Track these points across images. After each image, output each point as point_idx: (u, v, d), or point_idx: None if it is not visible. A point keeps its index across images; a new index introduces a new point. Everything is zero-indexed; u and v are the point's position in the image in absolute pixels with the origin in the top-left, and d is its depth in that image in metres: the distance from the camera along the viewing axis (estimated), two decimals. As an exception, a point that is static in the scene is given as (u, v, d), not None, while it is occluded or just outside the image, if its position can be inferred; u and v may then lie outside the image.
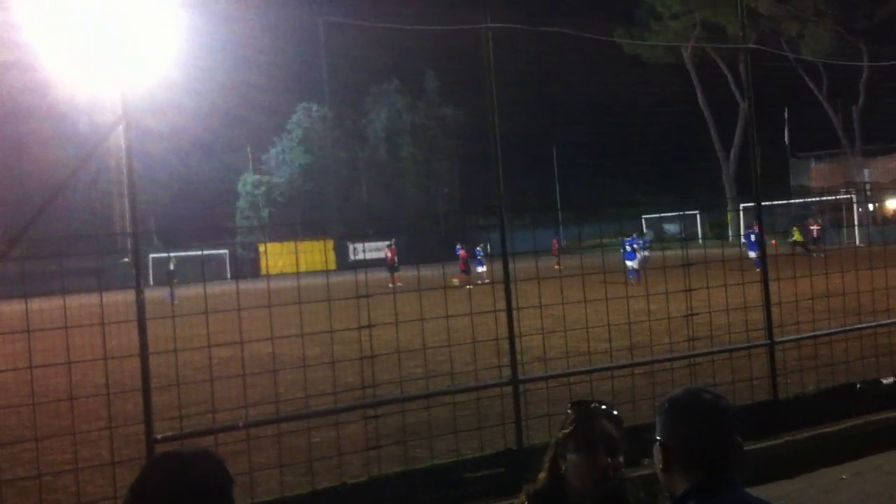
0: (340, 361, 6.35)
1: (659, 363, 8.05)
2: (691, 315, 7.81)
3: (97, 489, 6.70)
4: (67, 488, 7.09)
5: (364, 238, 61.56)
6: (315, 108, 70.08)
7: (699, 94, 62.06)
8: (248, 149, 68.83)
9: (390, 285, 25.99)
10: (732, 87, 59.37)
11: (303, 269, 35.66)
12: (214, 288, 6.83)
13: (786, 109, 54.67)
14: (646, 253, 30.37)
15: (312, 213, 65.36)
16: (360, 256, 58.60)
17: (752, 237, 28.76)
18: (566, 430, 2.97)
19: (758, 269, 8.60)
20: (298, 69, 64.28)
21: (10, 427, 8.48)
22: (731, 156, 62.46)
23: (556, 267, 29.29)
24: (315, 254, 53.31)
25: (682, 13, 57.60)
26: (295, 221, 60.79)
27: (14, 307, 5.45)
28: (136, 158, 5.74)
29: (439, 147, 72.84)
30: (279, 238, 58.99)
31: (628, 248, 29.82)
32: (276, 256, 47.01)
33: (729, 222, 51.85)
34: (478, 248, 34.97)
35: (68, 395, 5.71)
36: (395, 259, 35.65)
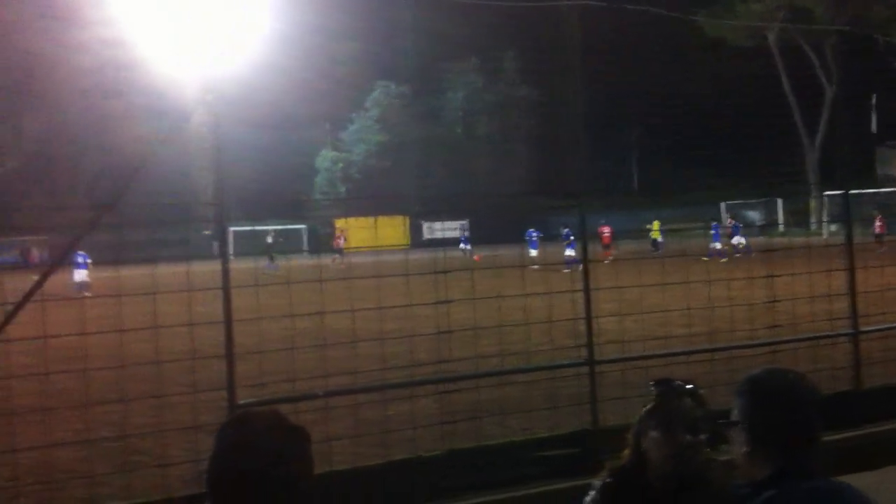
0: (417, 336, 6.41)
1: (738, 349, 7.91)
2: (774, 302, 7.66)
3: (179, 452, 6.90)
4: (150, 450, 7.32)
5: (438, 216, 61.84)
6: (393, 86, 70.38)
7: (784, 79, 60.34)
8: (327, 125, 69.52)
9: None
10: (819, 71, 57.66)
11: (378, 245, 36.20)
12: (293, 262, 6.94)
13: (874, 96, 52.88)
14: (741, 239, 30.53)
15: (388, 190, 65.77)
16: (434, 235, 58.87)
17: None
18: (648, 407, 2.97)
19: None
20: (378, 46, 64.60)
21: (96, 389, 8.77)
22: (816, 142, 60.66)
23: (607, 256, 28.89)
24: (388, 230, 53.84)
25: (766, -6, 56.06)
26: (371, 198, 61.26)
27: (101, 274, 5.62)
28: (219, 133, 5.85)
29: (516, 127, 72.47)
30: (355, 214, 59.62)
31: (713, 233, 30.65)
32: (352, 232, 47.58)
33: (812, 210, 50.54)
34: (530, 230, 34.42)
35: (153, 360, 5.89)
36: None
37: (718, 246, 30.89)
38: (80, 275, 26.77)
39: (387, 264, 6.44)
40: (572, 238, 28.43)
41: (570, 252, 27.52)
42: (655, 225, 38.99)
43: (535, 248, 32.55)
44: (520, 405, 6.88)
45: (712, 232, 33.18)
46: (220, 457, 2.05)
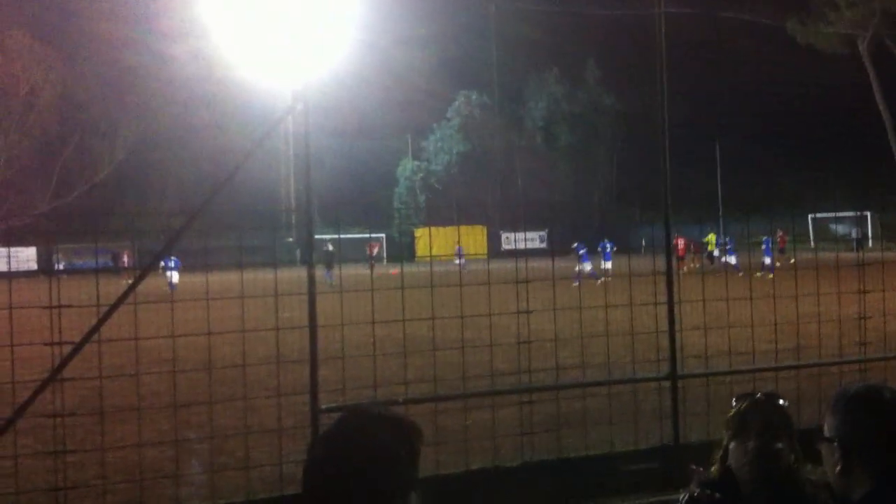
0: (497, 345, 6.40)
1: (826, 366, 7.69)
2: (863, 318, 7.42)
3: (261, 455, 7.03)
4: (234, 452, 7.47)
5: (517, 227, 61.62)
6: (474, 96, 70.62)
7: (875, 88, 58.42)
8: (409, 135, 70.12)
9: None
10: (911, 79, 55.81)
11: (443, 255, 36.40)
12: (373, 270, 7.00)
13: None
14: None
15: (468, 200, 65.96)
16: (512, 246, 58.73)
17: None
18: (727, 418, 2.96)
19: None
20: (460, 57, 64.99)
21: (183, 391, 9.00)
22: (908, 153, 58.54)
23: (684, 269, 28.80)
24: (466, 239, 53.89)
25: (860, 1, 54.39)
26: (451, 208, 61.48)
27: (189, 279, 5.77)
28: (301, 143, 5.95)
29: (597, 137, 71.97)
30: (434, 224, 59.94)
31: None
32: (431, 241, 47.83)
33: (904, 224, 48.88)
34: (577, 244, 34.25)
35: (238, 363, 6.02)
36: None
37: (768, 261, 30.71)
38: (174, 277, 29.20)
39: (465, 273, 6.45)
40: (583, 252, 30.17)
41: (586, 266, 28.47)
42: (711, 238, 38.80)
43: (608, 260, 32.45)
44: (601, 418, 6.81)
45: (763, 246, 33.29)
46: (326, 455, 2.05)
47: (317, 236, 5.80)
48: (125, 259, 40.50)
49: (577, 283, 19.42)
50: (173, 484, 5.94)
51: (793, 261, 28.40)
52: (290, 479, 6.33)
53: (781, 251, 34.33)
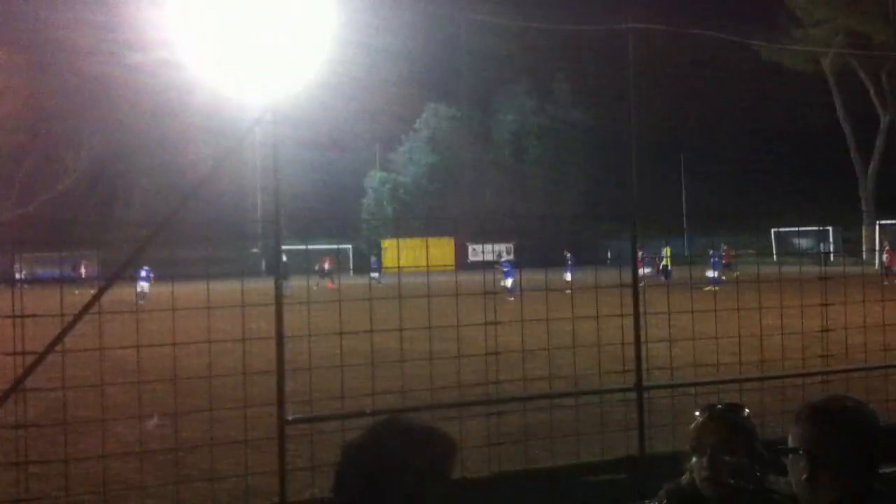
0: (465, 356, 6.41)
1: (790, 378, 7.78)
2: (826, 331, 7.53)
3: (227, 466, 6.98)
4: (198, 464, 7.41)
5: (484, 239, 61.76)
6: (443, 108, 70.83)
7: (838, 106, 59.40)
8: (377, 146, 70.13)
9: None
10: (874, 98, 56.76)
11: (423, 266, 36.37)
12: (340, 281, 6.98)
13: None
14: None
15: (436, 212, 66.05)
16: (480, 258, 58.88)
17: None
18: (689, 433, 2.99)
19: None
20: (429, 69, 65.13)
21: (148, 402, 8.91)
22: (870, 170, 59.51)
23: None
24: (433, 251, 53.88)
25: (824, 20, 55.30)
26: (419, 220, 61.48)
27: (156, 290, 5.73)
28: (269, 153, 5.95)
29: (566, 151, 72.40)
30: (402, 235, 59.88)
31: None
32: (397, 252, 47.92)
33: (864, 239, 49.67)
34: (503, 260, 34.82)
35: (203, 374, 5.97)
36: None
37: (713, 274, 31.87)
38: (143, 286, 28.99)
39: (432, 285, 6.47)
40: (506, 270, 30.38)
41: (508, 282, 28.15)
42: (667, 252, 39.50)
43: (570, 273, 32.66)
44: (567, 429, 6.84)
45: (713, 260, 34.54)
46: (347, 462, 2.06)
47: (283, 247, 5.78)
48: (82, 270, 40.20)
49: (511, 298, 19.53)
50: (138, 496, 5.88)
51: (737, 274, 29.22)
52: (255, 492, 6.30)
53: (727, 265, 35.26)
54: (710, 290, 25.25)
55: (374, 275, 30.67)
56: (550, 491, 6.17)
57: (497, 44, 63.60)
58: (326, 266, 41.64)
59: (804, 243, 52.09)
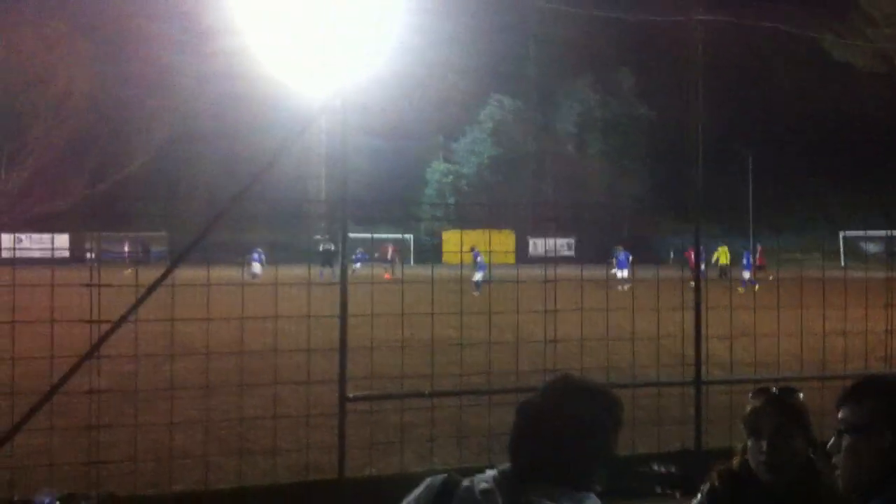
0: (524, 342, 6.48)
1: (852, 378, 7.66)
2: (890, 332, 7.42)
3: (286, 444, 7.14)
4: (259, 440, 7.59)
5: (545, 233, 61.55)
6: (507, 100, 70.65)
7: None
8: (440, 137, 70.25)
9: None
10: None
11: (484, 260, 36.45)
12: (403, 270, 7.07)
13: None
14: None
15: (497, 205, 65.98)
16: (540, 252, 58.74)
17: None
18: (743, 415, 3.01)
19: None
20: (493, 59, 64.95)
21: (210, 378, 9.14)
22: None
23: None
24: (495, 244, 53.85)
25: (899, 17, 53.76)
26: (479, 212, 61.47)
27: (217, 272, 5.89)
28: (334, 141, 6.08)
29: (629, 145, 71.71)
30: (462, 227, 59.94)
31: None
32: (457, 244, 48.09)
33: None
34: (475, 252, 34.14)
35: (268, 351, 6.13)
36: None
37: (747, 275, 31.84)
38: (256, 268, 30.49)
39: (496, 278, 6.54)
40: (479, 259, 29.17)
41: (478, 276, 26.78)
42: (722, 251, 38.79)
43: (624, 268, 32.29)
44: (624, 420, 6.85)
45: (743, 261, 34.50)
46: (536, 415, 2.14)
47: (351, 234, 5.90)
48: (125, 248, 41.52)
49: (476, 293, 18.82)
50: (201, 466, 6.07)
51: (771, 277, 28.81)
52: (314, 467, 6.44)
53: (760, 268, 34.81)
54: (741, 292, 25.14)
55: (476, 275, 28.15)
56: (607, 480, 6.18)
57: (563, 36, 63.17)
58: (389, 255, 41.84)
59: (871, 248, 50.90)
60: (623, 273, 30.53)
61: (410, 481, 2.24)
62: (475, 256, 29.49)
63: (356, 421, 6.47)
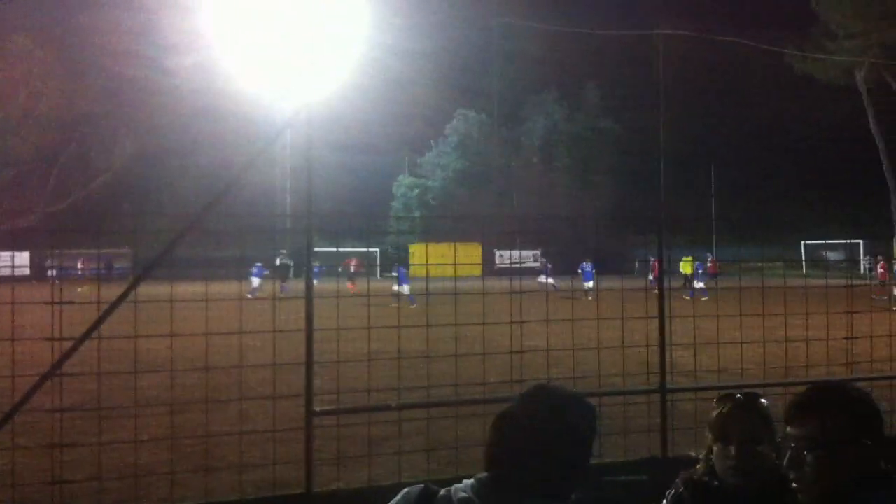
0: (490, 354, 6.49)
1: (814, 384, 7.76)
2: (851, 339, 7.54)
3: (253, 458, 7.09)
4: (225, 456, 7.54)
5: (511, 246, 61.79)
6: (472, 114, 70.96)
7: (871, 118, 58.78)
8: (406, 151, 70.34)
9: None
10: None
11: (449, 273, 36.52)
12: (365, 284, 7.07)
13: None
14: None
15: (463, 217, 66.14)
16: (506, 264, 58.96)
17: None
18: (709, 420, 3.04)
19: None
20: (459, 75, 65.25)
21: (175, 394, 9.07)
22: (902, 185, 58.83)
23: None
24: (461, 258, 53.99)
25: (859, 32, 54.78)
26: (446, 224, 61.56)
27: (183, 288, 5.87)
28: (299, 155, 6.07)
29: (595, 159, 72.27)
30: (428, 240, 60.02)
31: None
32: (423, 258, 48.14)
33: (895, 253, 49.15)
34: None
35: (233, 367, 6.09)
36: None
37: (700, 285, 32.50)
38: (255, 282, 31.77)
39: (460, 290, 6.56)
40: (398, 274, 30.39)
41: (406, 288, 27.54)
42: (686, 261, 39.20)
43: (589, 280, 32.52)
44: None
45: (699, 271, 35.11)
46: (513, 425, 2.15)
47: (320, 249, 5.89)
48: (80, 265, 41.28)
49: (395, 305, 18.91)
50: (167, 483, 6.01)
51: (715, 286, 29.30)
52: (281, 482, 6.41)
53: (712, 276, 35.46)
54: (688, 300, 25.71)
55: (403, 288, 28.30)
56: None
57: (528, 51, 63.66)
58: (352, 268, 42.01)
59: (832, 256, 51.70)
60: (589, 284, 30.84)
61: (379, 495, 2.25)
62: (399, 271, 30.74)
63: (323, 435, 6.45)
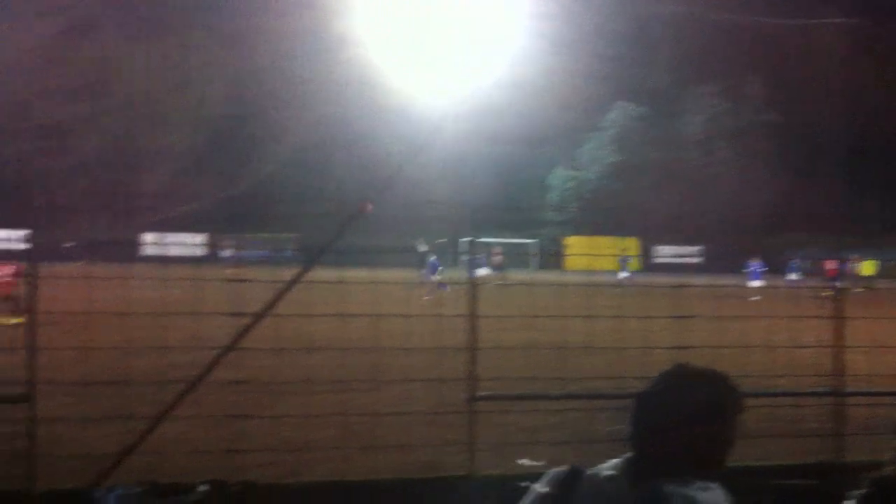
0: (654, 348, 6.37)
1: None
2: None
3: (415, 440, 7.23)
4: (385, 437, 7.72)
5: (670, 240, 60.56)
6: (632, 107, 69.74)
7: None
8: (562, 144, 69.83)
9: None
10: None
11: (606, 267, 36.23)
12: (521, 276, 7.07)
13: None
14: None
15: (619, 211, 65.10)
16: (664, 260, 57.83)
17: None
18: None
19: None
20: (618, 66, 64.12)
21: (340, 374, 9.35)
22: None
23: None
24: (616, 252, 53.32)
25: None
26: (602, 218, 60.95)
27: (348, 273, 6.05)
28: (459, 147, 6.13)
29: (758, 153, 69.54)
30: (584, 234, 59.63)
31: None
32: (579, 250, 47.85)
33: None
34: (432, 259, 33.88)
35: (397, 348, 6.23)
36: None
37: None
38: (434, 277, 31.09)
39: (612, 285, 6.44)
40: (431, 265, 30.76)
41: (435, 277, 28.76)
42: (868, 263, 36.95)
43: (756, 279, 31.78)
44: (760, 430, 6.65)
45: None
46: (655, 402, 2.18)
47: (496, 240, 5.95)
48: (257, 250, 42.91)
49: (427, 297, 20.59)
50: (333, 459, 6.22)
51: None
52: (442, 465, 6.51)
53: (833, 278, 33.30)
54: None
55: (436, 277, 28.99)
56: (737, 490, 6.02)
57: (689, 42, 61.91)
58: (497, 259, 41.80)
59: None
60: (755, 283, 29.96)
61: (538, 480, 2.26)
62: (432, 263, 31.06)
63: (481, 421, 6.51)
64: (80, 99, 51.84)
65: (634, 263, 37.09)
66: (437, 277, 28.41)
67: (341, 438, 6.91)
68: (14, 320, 8.35)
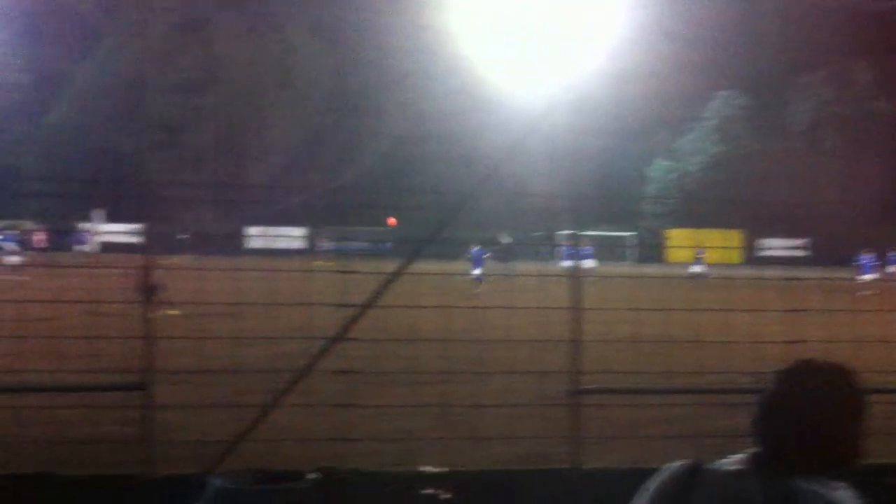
0: (762, 343, 6.26)
1: None
2: None
3: (518, 432, 7.26)
4: (487, 429, 7.76)
5: (773, 233, 58.89)
6: (735, 96, 67.97)
7: None
8: (662, 134, 68.55)
9: None
10: None
11: (711, 261, 35.46)
12: (620, 268, 6.99)
13: None
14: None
15: (722, 203, 63.56)
16: (768, 253, 56.39)
17: None
18: None
19: None
20: (719, 56, 62.55)
21: (441, 364, 9.43)
22: None
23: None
24: (718, 244, 52.15)
25: None
26: (704, 210, 59.70)
27: (447, 266, 6.10)
28: (558, 139, 6.11)
29: (866, 142, 66.81)
30: (684, 226, 58.48)
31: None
32: (682, 242, 46.98)
33: None
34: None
35: (500, 340, 6.26)
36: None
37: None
38: (477, 271, 30.93)
39: (724, 277, 6.32)
40: (476, 256, 29.40)
41: (478, 271, 28.15)
42: None
43: (868, 273, 30.74)
44: (881, 428, 6.43)
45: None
46: (787, 398, 2.13)
47: (595, 233, 5.94)
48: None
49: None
50: (436, 450, 6.29)
51: None
52: (544, 457, 6.51)
53: None
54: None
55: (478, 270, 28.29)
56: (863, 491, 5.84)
57: (794, 30, 59.94)
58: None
59: None
60: (867, 277, 28.97)
61: (645, 476, 2.23)
62: (477, 253, 30.24)
63: (585, 415, 6.50)
64: (191, 95, 53.72)
65: (712, 256, 35.13)
66: (478, 270, 28.12)
67: (444, 429, 6.98)
68: (171, 311, 8.71)
